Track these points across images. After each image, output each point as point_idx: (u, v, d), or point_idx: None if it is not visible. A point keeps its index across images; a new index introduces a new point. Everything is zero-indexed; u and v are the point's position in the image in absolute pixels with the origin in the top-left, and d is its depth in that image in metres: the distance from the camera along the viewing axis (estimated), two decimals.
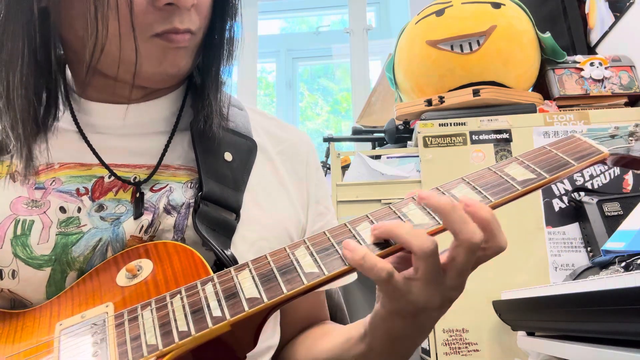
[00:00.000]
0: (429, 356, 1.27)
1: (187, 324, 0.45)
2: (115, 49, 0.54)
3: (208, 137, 0.63)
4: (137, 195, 0.58)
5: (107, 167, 0.59)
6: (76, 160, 0.60)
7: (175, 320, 0.45)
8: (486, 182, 0.52)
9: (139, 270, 0.52)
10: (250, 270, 0.48)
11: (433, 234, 0.48)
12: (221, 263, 0.54)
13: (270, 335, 0.65)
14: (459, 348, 1.24)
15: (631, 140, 0.58)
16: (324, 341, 0.64)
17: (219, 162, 0.62)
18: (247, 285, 0.47)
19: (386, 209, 0.51)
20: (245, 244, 0.59)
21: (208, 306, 0.46)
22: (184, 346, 0.44)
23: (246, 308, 0.45)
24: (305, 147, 0.73)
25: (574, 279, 1.10)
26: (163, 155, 0.61)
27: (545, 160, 0.55)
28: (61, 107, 0.62)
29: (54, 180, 0.58)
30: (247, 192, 0.63)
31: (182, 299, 0.47)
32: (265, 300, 0.45)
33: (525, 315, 1.06)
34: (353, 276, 0.72)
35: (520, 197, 0.52)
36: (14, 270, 0.53)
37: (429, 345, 1.28)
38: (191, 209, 0.58)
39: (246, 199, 0.62)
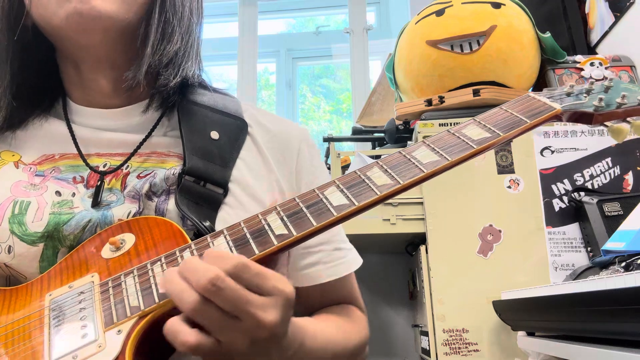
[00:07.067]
0: (429, 356, 1.27)
1: None
2: None
3: (195, 117, 0.66)
4: (99, 183, 0.61)
5: (83, 158, 0.63)
6: (73, 151, 0.64)
7: (155, 284, 0.49)
8: (445, 143, 0.56)
9: (122, 244, 0.55)
10: (225, 237, 0.51)
11: (393, 193, 0.51)
12: (200, 235, 0.56)
13: None
14: (459, 348, 1.24)
15: (585, 96, 0.61)
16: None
17: (205, 139, 0.65)
18: (222, 249, 0.50)
19: (352, 174, 0.54)
20: None
21: None
22: (164, 306, 0.48)
23: None
24: (297, 138, 0.73)
25: (574, 279, 1.10)
26: (143, 141, 0.65)
27: (501, 120, 0.58)
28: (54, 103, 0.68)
29: (53, 169, 0.63)
30: (234, 179, 0.64)
31: (162, 265, 0.51)
32: None
33: (525, 315, 1.06)
34: (358, 261, 0.74)
35: (476, 154, 0.55)
36: (10, 246, 0.56)
37: (429, 345, 1.28)
38: (171, 195, 0.61)
39: (233, 185, 0.63)
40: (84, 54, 0.65)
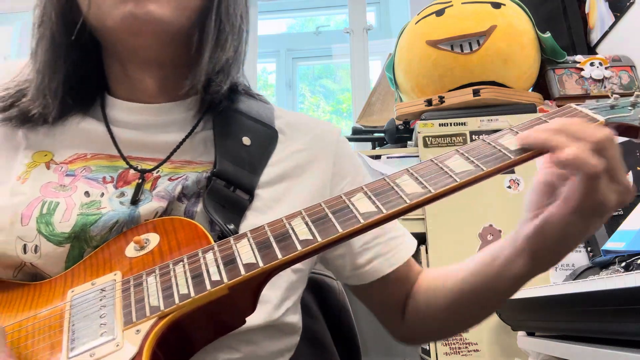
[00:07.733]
0: (429, 356, 1.27)
1: (188, 287, 0.48)
2: None
3: (229, 121, 0.67)
4: (139, 181, 0.61)
5: (124, 158, 0.64)
6: (106, 152, 0.65)
7: (177, 284, 0.49)
8: (479, 153, 0.53)
9: (146, 243, 0.55)
10: (248, 239, 0.51)
11: (423, 202, 0.50)
12: (224, 237, 0.56)
13: (287, 334, 0.64)
14: (459, 348, 1.24)
15: (630, 109, 0.58)
16: (454, 275, 0.66)
17: (236, 144, 0.65)
18: (245, 252, 0.49)
19: (381, 180, 0.53)
20: None
21: (208, 271, 0.49)
22: (184, 307, 0.47)
23: (243, 272, 0.48)
24: (333, 137, 0.73)
25: (574, 279, 1.10)
26: (178, 146, 0.65)
27: None
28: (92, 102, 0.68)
29: (84, 169, 0.63)
30: (261, 186, 0.64)
31: (184, 265, 0.50)
32: (261, 265, 0.48)
33: (525, 315, 1.06)
34: (413, 243, 0.74)
35: (514, 165, 0.52)
36: (36, 246, 0.57)
37: (429, 345, 1.28)
38: (200, 198, 0.61)
39: (260, 192, 0.63)
40: (133, 55, 0.65)
